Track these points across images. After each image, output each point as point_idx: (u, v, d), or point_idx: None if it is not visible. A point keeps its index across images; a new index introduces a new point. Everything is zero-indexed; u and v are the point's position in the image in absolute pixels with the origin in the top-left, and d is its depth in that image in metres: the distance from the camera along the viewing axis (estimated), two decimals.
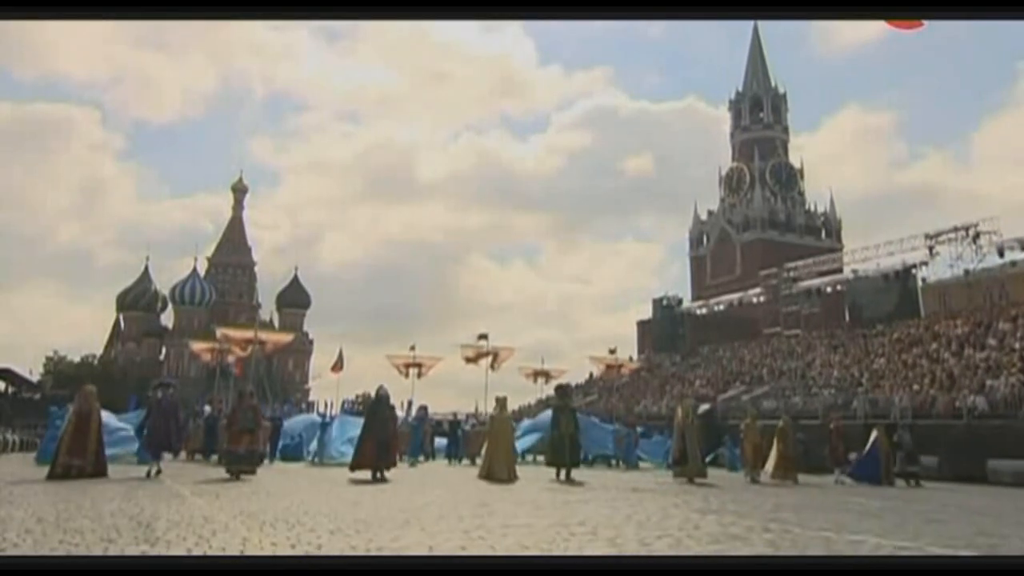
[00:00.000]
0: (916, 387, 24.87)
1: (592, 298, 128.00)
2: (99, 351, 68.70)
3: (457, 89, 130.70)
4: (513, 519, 6.20)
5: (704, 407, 27.09)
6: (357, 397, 49.40)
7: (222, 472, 11.63)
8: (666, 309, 51.22)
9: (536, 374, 31.49)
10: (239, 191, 76.19)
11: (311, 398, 63.34)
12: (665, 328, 50.17)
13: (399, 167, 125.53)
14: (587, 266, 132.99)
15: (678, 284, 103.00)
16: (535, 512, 6.89)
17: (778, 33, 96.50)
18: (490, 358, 27.86)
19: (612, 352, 35.89)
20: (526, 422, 22.57)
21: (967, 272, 36.52)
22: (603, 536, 5.18)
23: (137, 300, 70.19)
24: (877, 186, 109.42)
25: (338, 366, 32.57)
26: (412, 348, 27.31)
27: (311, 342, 71.87)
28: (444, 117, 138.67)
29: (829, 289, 42.99)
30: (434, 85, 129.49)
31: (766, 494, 11.02)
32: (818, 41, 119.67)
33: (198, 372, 59.61)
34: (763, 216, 61.92)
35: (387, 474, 11.43)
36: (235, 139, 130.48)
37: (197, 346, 25.95)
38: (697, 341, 46.83)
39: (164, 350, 68.37)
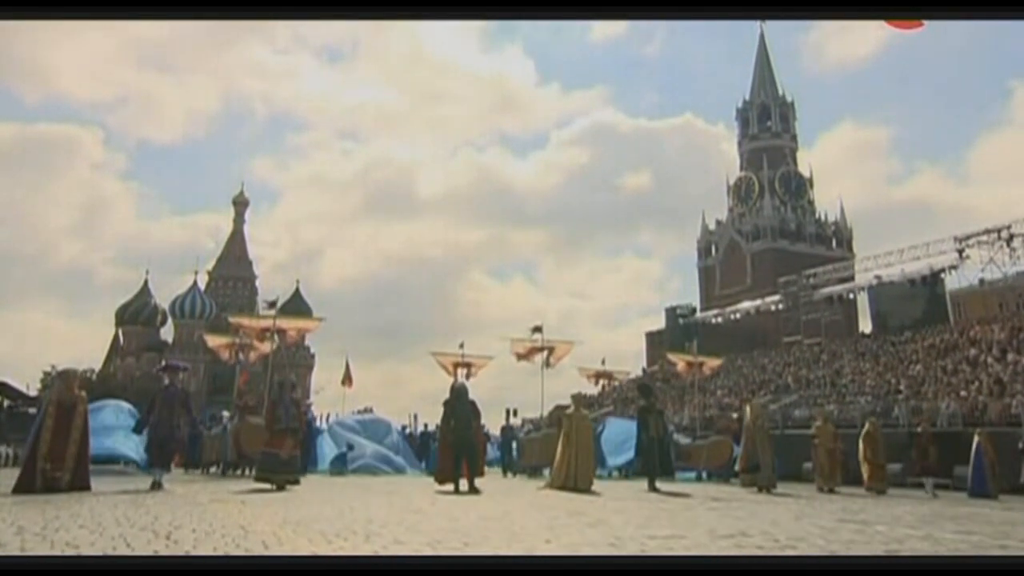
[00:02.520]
0: (963, 393, 23.49)
1: (592, 313, 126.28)
2: (98, 367, 66.99)
3: (456, 107, 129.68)
4: (647, 527, 4.76)
5: (734, 415, 25.61)
6: (358, 412, 47.82)
7: (248, 483, 9.71)
8: (679, 319, 49.89)
9: (598, 375, 28.06)
10: (240, 204, 74.98)
11: (312, 413, 61.69)
12: (678, 338, 48.70)
13: (399, 184, 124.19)
14: (586, 281, 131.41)
15: (678, 298, 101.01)
16: (653, 521, 5.45)
17: (773, 49, 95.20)
18: (545, 354, 24.31)
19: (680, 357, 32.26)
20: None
21: (982, 282, 35.28)
22: (791, 544, 3.75)
23: (136, 315, 68.56)
24: (875, 200, 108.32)
25: (348, 380, 30.50)
26: (461, 346, 24.18)
27: (313, 356, 70.23)
28: (443, 134, 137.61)
29: (851, 295, 41.69)
30: (433, 103, 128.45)
31: (875, 504, 9.50)
32: (812, 58, 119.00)
33: (198, 386, 58.00)
34: (773, 225, 60.59)
35: (475, 484, 9.43)
36: (236, 158, 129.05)
37: (214, 341, 23.24)
38: (711, 350, 45.45)
39: (163, 364, 66.73)
